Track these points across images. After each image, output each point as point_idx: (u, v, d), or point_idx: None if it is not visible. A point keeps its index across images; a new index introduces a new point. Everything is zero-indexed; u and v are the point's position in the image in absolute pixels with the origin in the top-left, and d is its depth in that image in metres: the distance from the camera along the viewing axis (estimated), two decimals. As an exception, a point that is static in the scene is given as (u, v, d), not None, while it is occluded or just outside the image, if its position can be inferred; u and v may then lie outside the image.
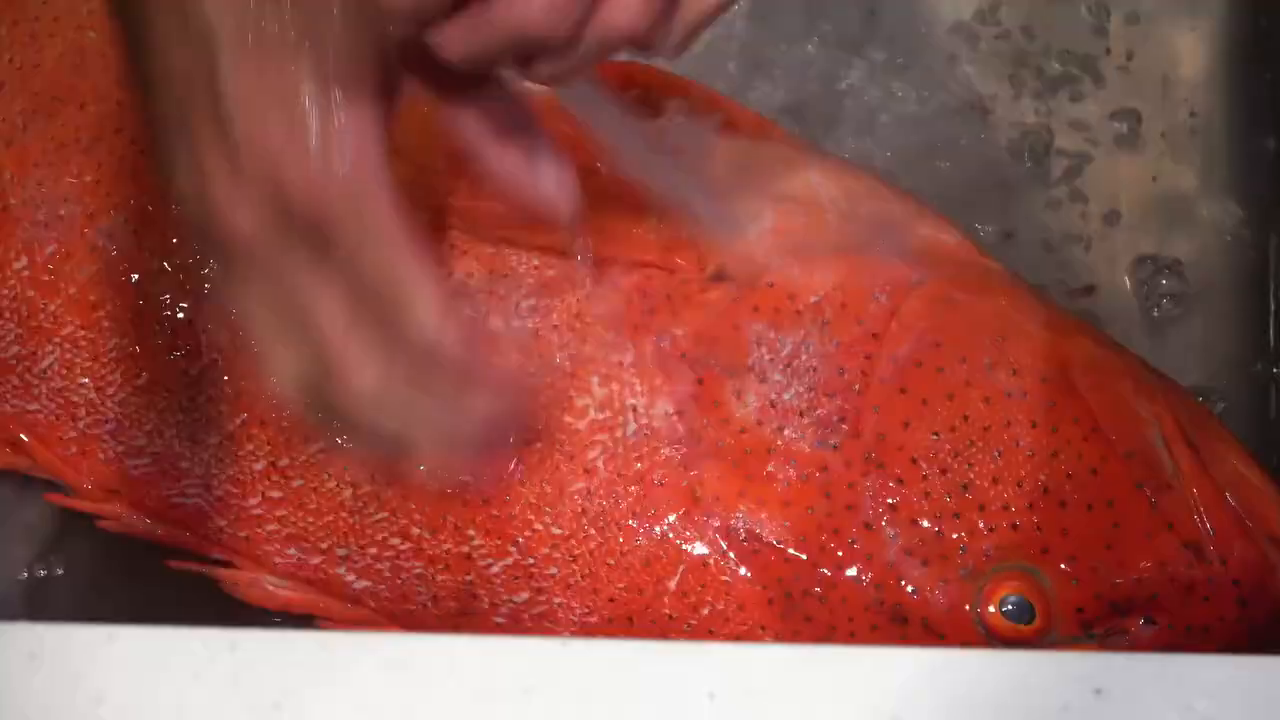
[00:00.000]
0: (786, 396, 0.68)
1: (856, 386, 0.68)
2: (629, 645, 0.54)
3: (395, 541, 0.70)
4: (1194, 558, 0.66)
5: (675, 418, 0.68)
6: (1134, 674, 0.57)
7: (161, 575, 0.73)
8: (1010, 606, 0.66)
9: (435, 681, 0.53)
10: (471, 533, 0.69)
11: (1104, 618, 0.66)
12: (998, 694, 0.57)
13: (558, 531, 0.68)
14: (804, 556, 0.67)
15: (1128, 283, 0.83)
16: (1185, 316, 0.83)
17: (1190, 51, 0.87)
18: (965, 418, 0.67)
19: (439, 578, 0.70)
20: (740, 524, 0.67)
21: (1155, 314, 0.83)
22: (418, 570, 0.70)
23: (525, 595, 0.69)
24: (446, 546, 0.69)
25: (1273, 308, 0.83)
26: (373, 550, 0.70)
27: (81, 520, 0.75)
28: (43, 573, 0.76)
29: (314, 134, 0.59)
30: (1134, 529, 0.66)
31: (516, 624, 0.69)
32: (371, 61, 0.59)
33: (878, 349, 0.68)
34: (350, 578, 0.70)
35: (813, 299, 0.69)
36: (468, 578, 0.69)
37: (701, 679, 0.55)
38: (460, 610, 0.70)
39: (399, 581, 0.70)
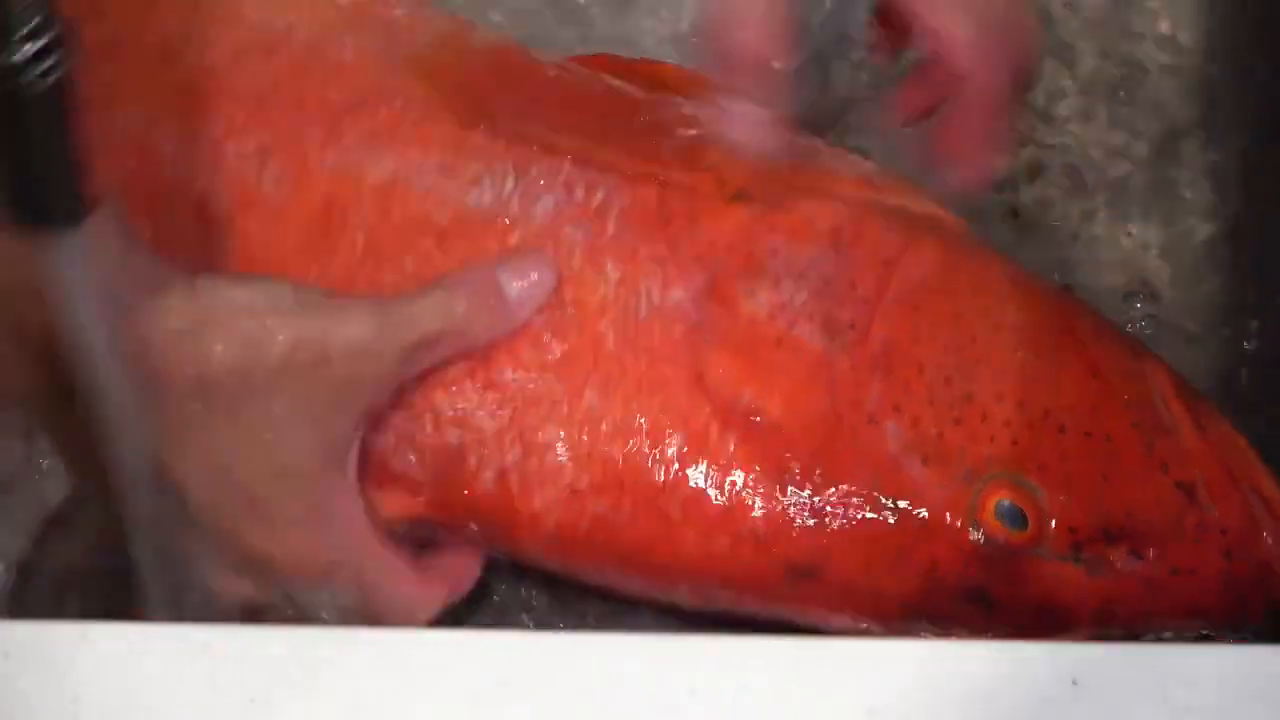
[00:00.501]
0: (798, 301, 0.69)
1: (868, 301, 0.69)
2: (609, 639, 0.54)
3: None
4: (1185, 500, 0.67)
5: (687, 305, 0.69)
6: (1111, 664, 0.58)
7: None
8: (1004, 512, 0.67)
9: (412, 677, 0.53)
10: (468, 387, 0.68)
11: (1093, 541, 0.67)
12: (975, 685, 0.57)
13: (558, 389, 0.68)
14: (804, 440, 0.67)
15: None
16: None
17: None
18: (973, 340, 0.68)
19: (428, 437, 0.69)
20: (744, 402, 0.67)
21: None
22: (407, 429, 0.69)
23: (517, 454, 0.68)
24: (440, 403, 0.68)
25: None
26: None
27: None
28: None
29: (305, 531, 0.65)
30: (1129, 463, 0.67)
31: (503, 486, 0.68)
32: (346, 437, 0.65)
33: (891, 272, 0.69)
34: None
35: (830, 225, 0.70)
36: (460, 435, 0.68)
37: (681, 674, 0.55)
38: (446, 471, 0.68)
39: (384, 440, 0.69)
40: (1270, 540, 0.67)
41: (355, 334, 0.64)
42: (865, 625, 0.68)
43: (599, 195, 0.70)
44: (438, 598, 0.70)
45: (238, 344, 0.63)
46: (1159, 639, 0.68)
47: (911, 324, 0.69)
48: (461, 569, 0.71)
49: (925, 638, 0.68)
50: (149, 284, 0.63)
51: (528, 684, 0.53)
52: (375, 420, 0.68)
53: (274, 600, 0.68)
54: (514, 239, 0.70)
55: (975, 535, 0.67)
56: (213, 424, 0.63)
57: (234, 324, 0.63)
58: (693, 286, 0.69)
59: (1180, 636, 0.70)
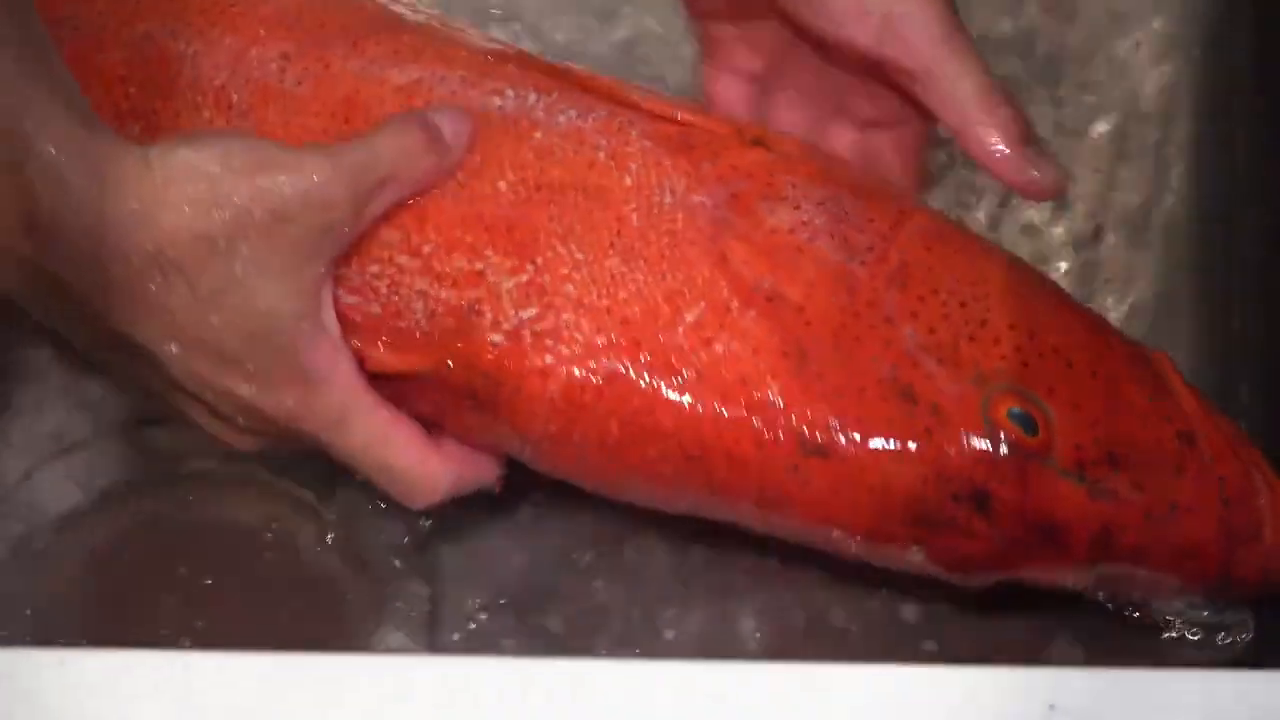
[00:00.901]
0: (818, 222, 0.69)
1: (884, 234, 0.70)
2: (587, 664, 0.54)
3: (402, 259, 0.68)
4: (1186, 447, 0.68)
5: (709, 207, 0.69)
6: (1089, 689, 0.58)
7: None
8: (1015, 416, 0.67)
9: (385, 701, 0.53)
10: (489, 252, 0.68)
11: (1098, 464, 0.67)
12: (952, 709, 0.57)
13: (580, 256, 0.68)
14: (823, 323, 0.68)
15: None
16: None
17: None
18: (985, 279, 0.69)
19: (443, 294, 0.68)
20: (765, 285, 0.68)
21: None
22: (420, 287, 0.68)
23: (533, 310, 0.68)
24: (459, 264, 0.68)
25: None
26: (374, 268, 0.68)
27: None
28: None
29: (291, 387, 0.65)
30: (1133, 405, 0.68)
31: (516, 343, 0.67)
32: (314, 289, 0.65)
33: (906, 218, 0.71)
34: (338, 293, 0.68)
35: (845, 177, 0.72)
36: (475, 293, 0.68)
37: (656, 698, 0.55)
38: (456, 328, 0.68)
39: (395, 298, 0.68)
40: (1265, 504, 0.68)
41: (312, 186, 0.64)
42: (858, 538, 0.68)
43: (622, 119, 0.71)
44: (453, 471, 0.69)
45: (191, 213, 0.62)
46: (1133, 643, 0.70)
47: (927, 256, 0.69)
48: (484, 457, 0.71)
49: (914, 555, 0.68)
50: (105, 163, 0.62)
51: (515, 710, 0.53)
52: (386, 280, 0.68)
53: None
54: (536, 137, 0.70)
55: (987, 431, 0.67)
56: (175, 295, 0.63)
57: (187, 193, 0.62)
58: (715, 197, 0.69)
59: (1153, 631, 0.71)
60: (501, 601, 0.76)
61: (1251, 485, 0.68)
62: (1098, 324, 0.71)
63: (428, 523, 0.75)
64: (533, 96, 0.71)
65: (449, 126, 0.68)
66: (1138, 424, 0.68)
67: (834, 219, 0.69)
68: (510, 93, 0.71)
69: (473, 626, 0.75)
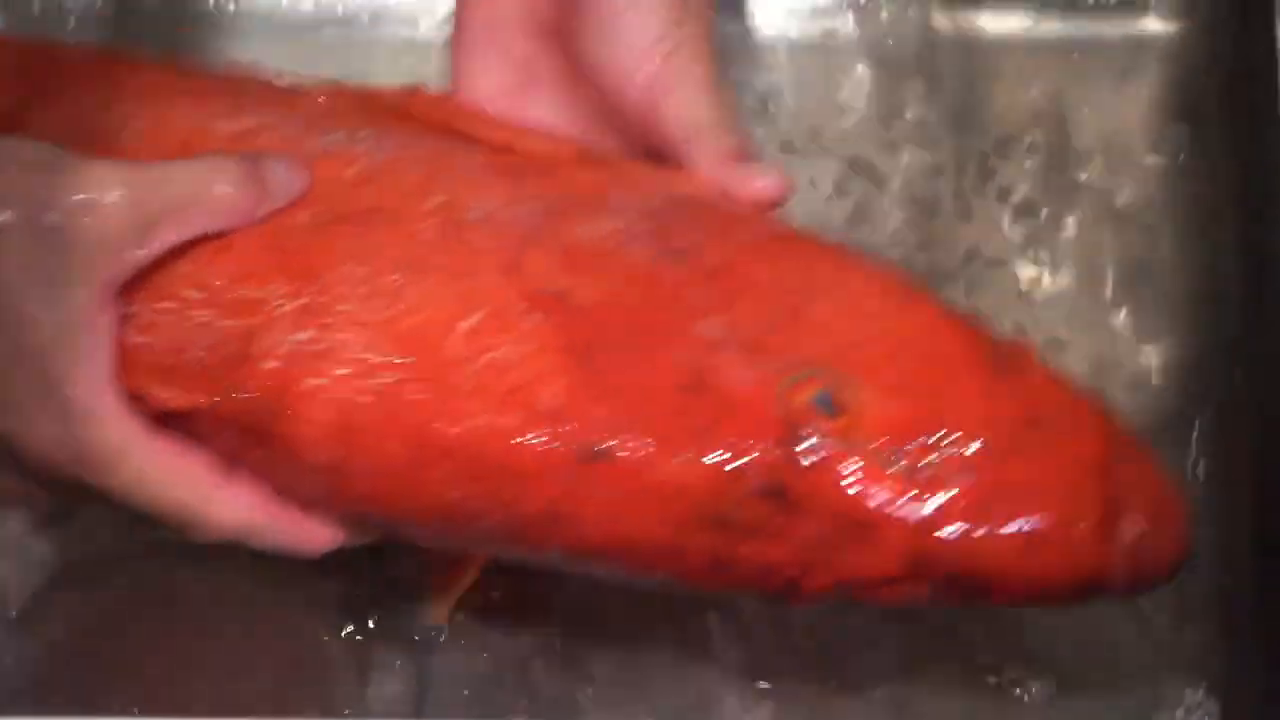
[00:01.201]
0: (636, 229, 0.66)
1: (704, 242, 0.66)
2: None
3: (190, 293, 0.65)
4: (1029, 428, 0.62)
5: (522, 218, 0.66)
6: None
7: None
8: (816, 399, 0.61)
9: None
10: (275, 278, 0.65)
11: (918, 446, 0.61)
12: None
13: (361, 271, 0.65)
14: (613, 321, 0.63)
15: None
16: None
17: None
18: (812, 276, 0.65)
19: (223, 324, 0.65)
20: (557, 286, 0.64)
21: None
22: (203, 319, 0.65)
23: (308, 333, 0.64)
24: (243, 293, 0.65)
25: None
26: (163, 304, 0.65)
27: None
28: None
29: (52, 416, 0.61)
30: (969, 389, 0.63)
31: (288, 367, 0.63)
32: (85, 308, 0.61)
33: (743, 224, 0.67)
34: (127, 332, 0.64)
35: (684, 191, 0.68)
36: (253, 320, 0.64)
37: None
38: (231, 358, 0.64)
39: (180, 333, 0.65)
40: (1127, 492, 0.61)
41: (93, 195, 0.60)
42: (646, 550, 0.62)
43: (453, 147, 0.69)
44: (251, 510, 0.65)
45: None
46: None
47: (751, 257, 0.65)
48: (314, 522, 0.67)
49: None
50: None
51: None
52: (173, 315, 0.65)
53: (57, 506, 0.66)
54: (353, 170, 0.68)
55: (783, 416, 0.61)
56: None
57: None
58: (531, 209, 0.66)
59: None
60: (489, 667, 0.75)
61: (1110, 471, 0.61)
62: (942, 314, 0.65)
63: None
64: (364, 132, 0.69)
65: (277, 174, 0.65)
66: (972, 404, 0.62)
67: (659, 227, 0.65)
68: (342, 133, 0.69)
69: (459, 691, 0.74)
